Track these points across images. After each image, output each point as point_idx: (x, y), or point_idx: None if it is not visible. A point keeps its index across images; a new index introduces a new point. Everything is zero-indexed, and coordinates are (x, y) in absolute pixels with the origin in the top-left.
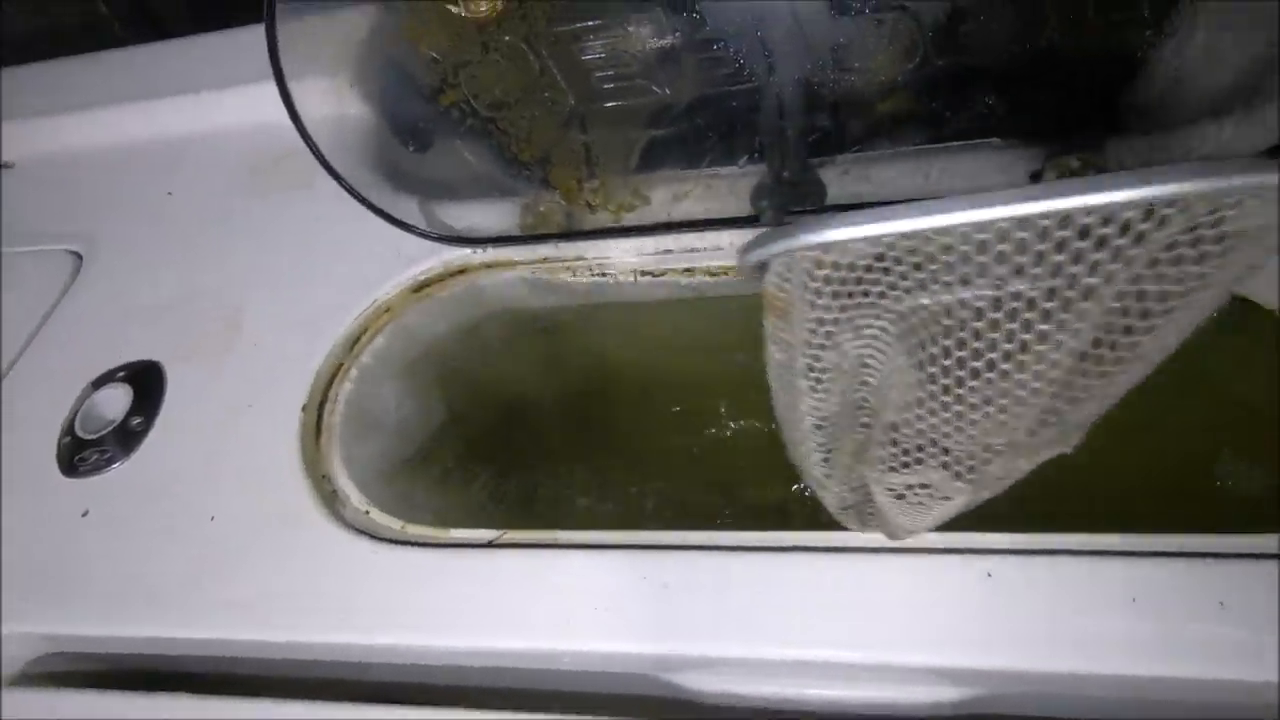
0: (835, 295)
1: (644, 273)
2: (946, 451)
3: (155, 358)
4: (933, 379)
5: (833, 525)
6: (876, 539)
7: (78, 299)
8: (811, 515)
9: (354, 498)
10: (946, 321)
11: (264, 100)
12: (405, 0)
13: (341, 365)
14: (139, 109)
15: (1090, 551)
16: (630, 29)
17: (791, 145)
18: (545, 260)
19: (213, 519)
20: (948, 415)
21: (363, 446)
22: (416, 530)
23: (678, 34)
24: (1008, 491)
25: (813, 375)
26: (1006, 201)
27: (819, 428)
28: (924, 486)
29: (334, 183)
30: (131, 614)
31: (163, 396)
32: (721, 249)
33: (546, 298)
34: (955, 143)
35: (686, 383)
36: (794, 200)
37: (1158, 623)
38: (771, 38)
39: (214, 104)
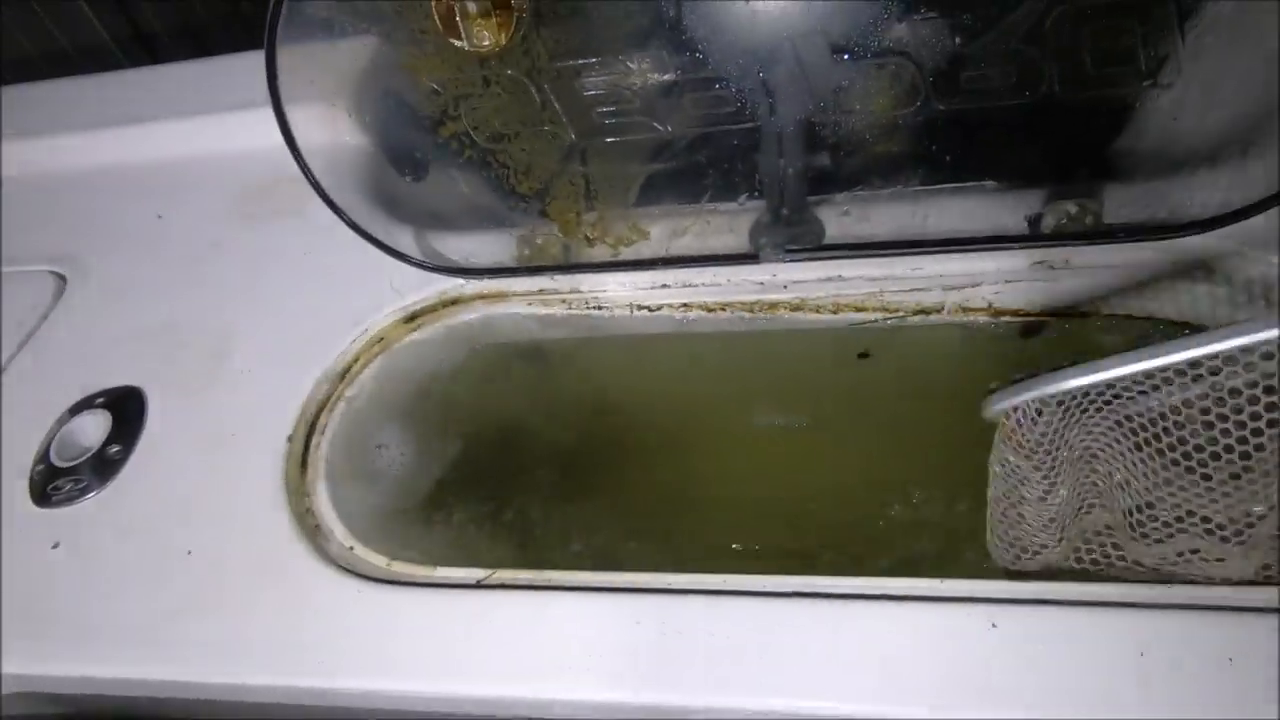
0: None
1: (640, 307)
2: (1207, 520)
3: (137, 384)
4: (1175, 462)
5: (834, 571)
6: (883, 585)
7: (59, 321)
8: (810, 557)
9: (338, 532)
10: (1176, 417)
11: (258, 126)
12: (407, 32)
13: (330, 395)
14: (131, 132)
15: (1098, 603)
16: (632, 66)
17: (791, 184)
18: (540, 292)
19: (190, 553)
20: (1199, 490)
21: (349, 480)
22: (402, 568)
23: (679, 72)
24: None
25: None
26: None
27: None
28: (1194, 551)
29: (326, 210)
30: (103, 653)
31: (143, 424)
32: (720, 285)
33: (540, 330)
34: (952, 185)
35: (680, 418)
36: (792, 238)
37: (1167, 677)
38: (773, 78)
39: (207, 129)
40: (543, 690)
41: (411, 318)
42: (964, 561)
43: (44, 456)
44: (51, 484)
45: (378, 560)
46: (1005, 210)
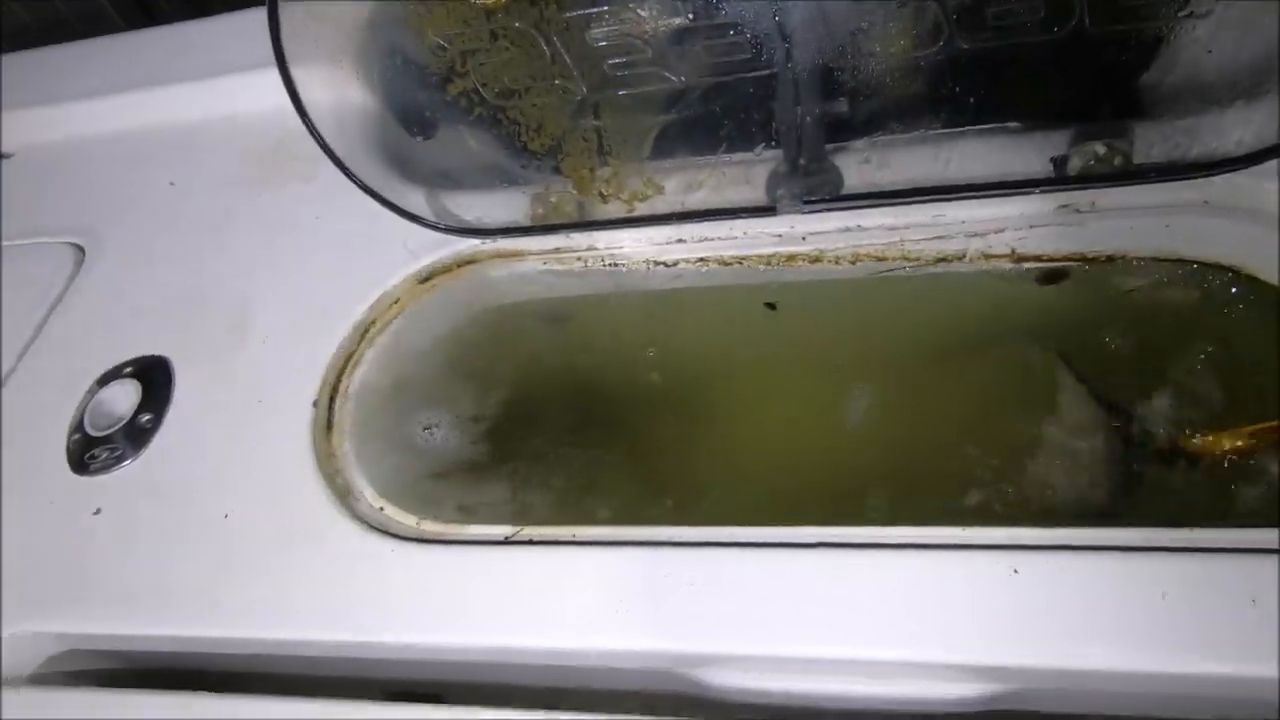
0: None
1: (657, 262)
2: None
3: (163, 353)
4: None
5: (857, 520)
6: (904, 534)
7: (81, 292)
8: (834, 507)
9: (368, 493)
10: None
11: (265, 87)
12: None
13: (350, 358)
14: (139, 97)
15: (1118, 547)
16: (643, 13)
17: (808, 132)
18: (556, 250)
19: (226, 516)
20: None
21: (374, 441)
22: (432, 527)
23: (692, 18)
24: (1032, 486)
25: None
26: None
27: None
28: None
29: (339, 172)
30: (146, 613)
31: (171, 392)
32: (736, 238)
33: (557, 287)
34: (976, 127)
35: (699, 371)
36: (810, 189)
37: (1190, 619)
38: (789, 21)
39: (214, 91)
40: (574, 641)
41: (427, 278)
42: (982, 503)
43: (79, 426)
44: (88, 453)
45: (407, 520)
46: (1030, 153)
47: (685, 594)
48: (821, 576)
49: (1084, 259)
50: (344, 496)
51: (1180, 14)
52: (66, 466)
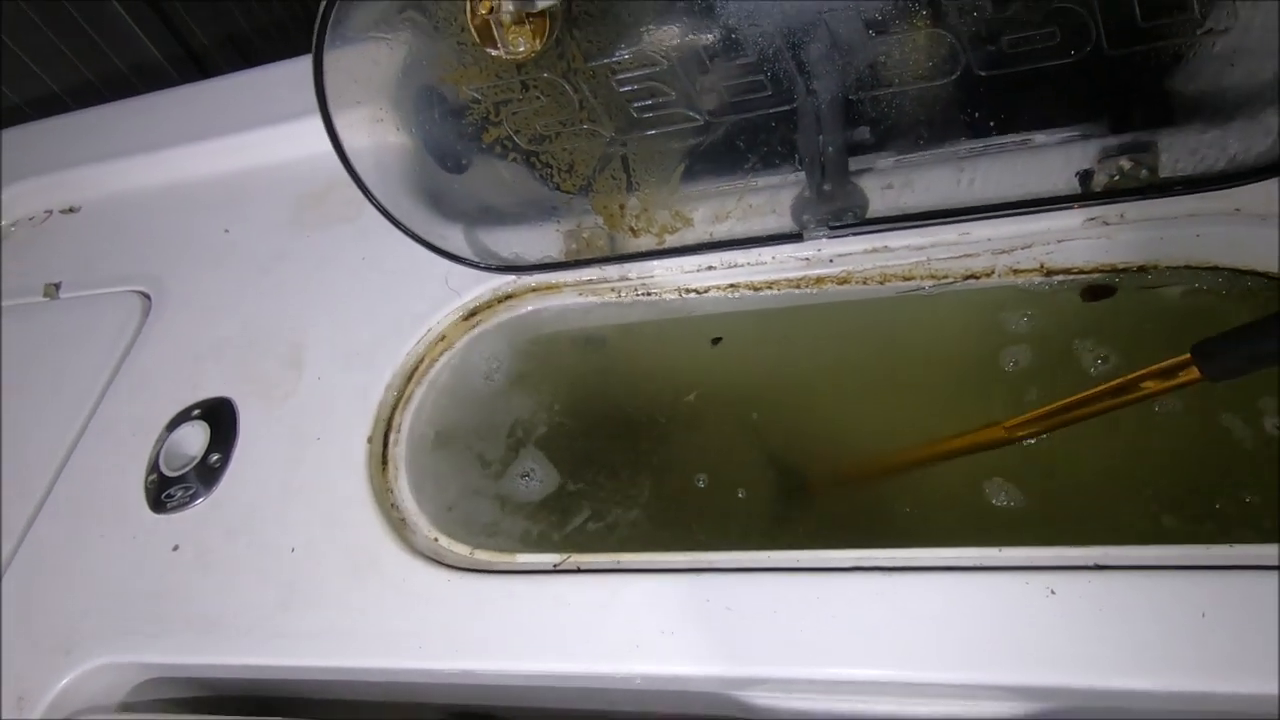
0: None
1: (688, 290)
2: None
3: (226, 393)
4: None
5: (896, 542)
6: (941, 556)
7: (150, 339)
8: (871, 528)
9: (422, 525)
10: None
11: (310, 134)
12: (446, 44)
13: (401, 395)
14: (193, 149)
15: (1156, 566)
16: (665, 59)
17: (831, 159)
18: (590, 282)
19: (293, 550)
20: None
21: (426, 473)
22: (484, 556)
23: (712, 60)
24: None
25: None
26: None
27: None
28: None
29: (380, 214)
30: (221, 643)
31: (236, 432)
32: (765, 264)
33: (592, 317)
34: (997, 145)
35: (731, 393)
36: (835, 214)
37: (1230, 638)
38: (808, 58)
39: (263, 140)
40: (620, 664)
41: (470, 314)
42: (1015, 516)
43: (155, 466)
44: (165, 492)
45: (461, 550)
46: (1055, 169)
47: (728, 618)
48: (860, 599)
49: (1115, 270)
50: (400, 528)
51: (1199, 31)
52: (146, 506)
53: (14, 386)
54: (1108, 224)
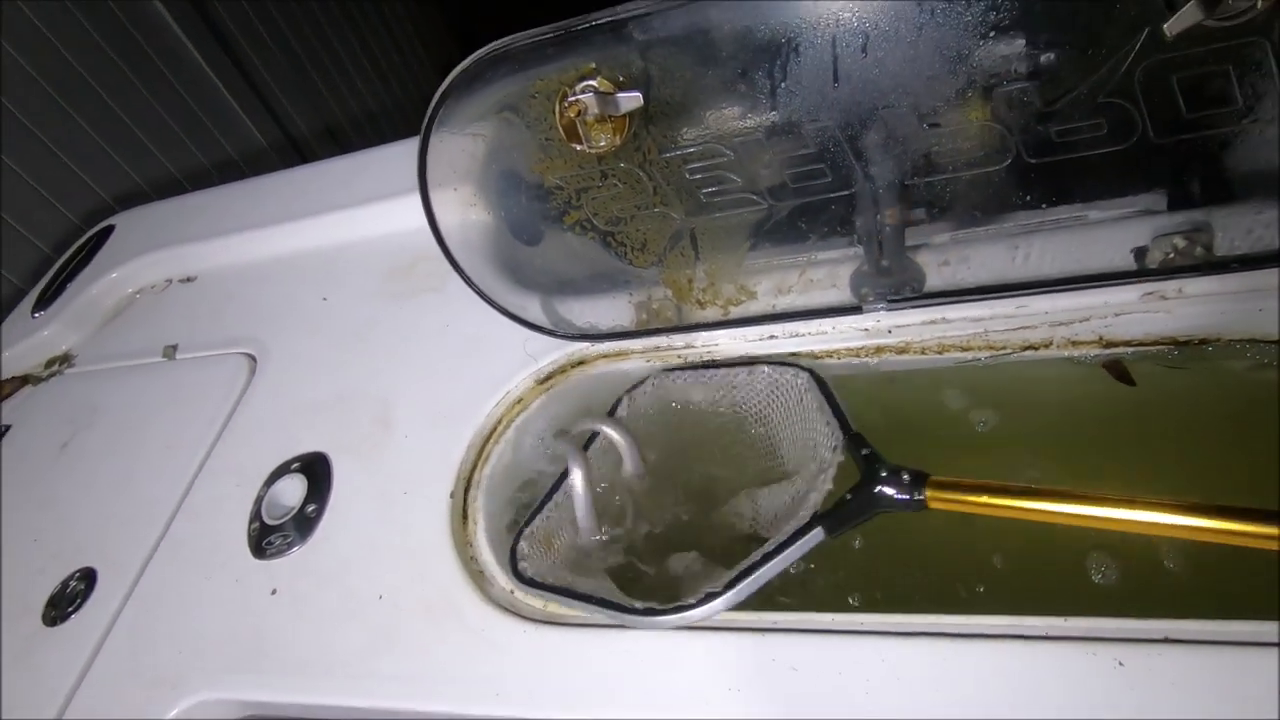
0: None
1: (752, 358)
2: None
3: (322, 448)
4: None
5: (959, 609)
6: (1006, 624)
7: (255, 397)
8: (919, 596)
9: (500, 578)
10: None
11: (397, 213)
12: (536, 141)
13: (481, 453)
14: (294, 226)
15: (1232, 641)
16: (730, 153)
17: (888, 237)
18: (657, 349)
19: (380, 598)
20: None
21: (503, 529)
22: (557, 609)
23: (776, 151)
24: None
25: None
26: None
27: None
28: None
29: (462, 285)
30: (314, 683)
31: (331, 485)
32: (825, 333)
33: None
34: (1052, 222)
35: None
36: (893, 288)
37: None
38: (866, 149)
39: (355, 218)
40: (688, 716)
41: (545, 379)
42: (1088, 588)
43: (257, 515)
44: (265, 539)
45: (536, 603)
46: (1109, 244)
47: (793, 678)
48: (923, 664)
49: (1175, 342)
50: (479, 580)
51: (1245, 120)
52: (248, 551)
53: (135, 438)
54: (1165, 298)
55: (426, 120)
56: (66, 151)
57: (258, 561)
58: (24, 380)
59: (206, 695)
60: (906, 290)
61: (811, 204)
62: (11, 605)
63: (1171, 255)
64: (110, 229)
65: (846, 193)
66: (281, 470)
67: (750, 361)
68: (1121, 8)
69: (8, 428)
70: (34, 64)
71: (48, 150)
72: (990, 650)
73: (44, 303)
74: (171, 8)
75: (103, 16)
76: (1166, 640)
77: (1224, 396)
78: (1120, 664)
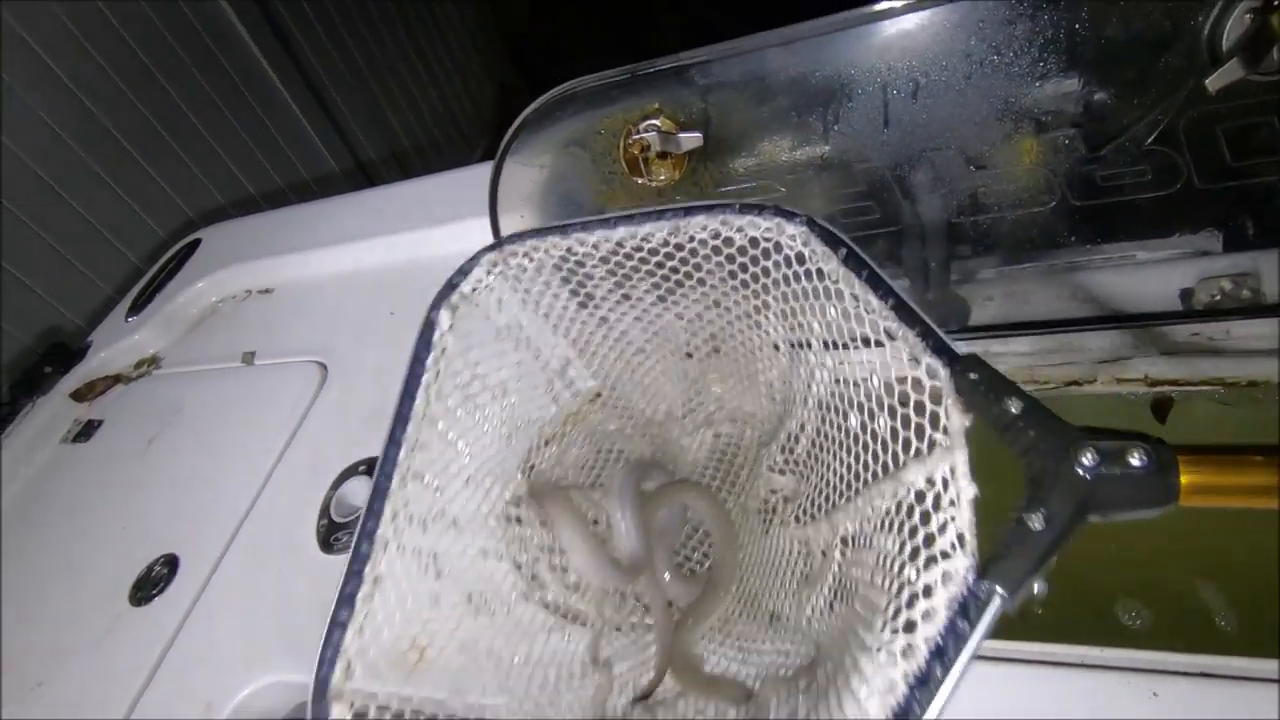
0: None
1: None
2: None
3: None
4: None
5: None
6: (1039, 650)
7: (325, 403)
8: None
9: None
10: None
11: (458, 235)
12: (600, 174)
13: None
14: (365, 244)
15: (1265, 679)
16: (783, 188)
17: (934, 272)
18: None
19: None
20: None
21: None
22: None
23: (827, 187)
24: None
25: None
26: None
27: None
28: None
29: None
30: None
31: None
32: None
33: None
34: (1099, 258)
35: None
36: (938, 321)
37: None
38: (914, 189)
39: (419, 240)
40: None
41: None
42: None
43: (325, 512)
44: (333, 535)
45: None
46: (1154, 284)
47: None
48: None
49: (1222, 383)
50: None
51: None
52: (317, 546)
53: (215, 436)
54: (1213, 338)
55: (501, 150)
56: (158, 170)
57: (326, 556)
58: (116, 379)
59: (276, 677)
60: (951, 323)
61: (859, 238)
62: (102, 586)
63: (1218, 297)
64: (197, 242)
65: (894, 229)
66: (349, 472)
67: None
68: (1167, 61)
69: (100, 423)
70: (133, 89)
71: (142, 169)
72: (1023, 674)
73: (137, 308)
74: (260, 44)
75: (196, 48)
76: (1204, 675)
77: (1272, 437)
78: (1155, 695)
